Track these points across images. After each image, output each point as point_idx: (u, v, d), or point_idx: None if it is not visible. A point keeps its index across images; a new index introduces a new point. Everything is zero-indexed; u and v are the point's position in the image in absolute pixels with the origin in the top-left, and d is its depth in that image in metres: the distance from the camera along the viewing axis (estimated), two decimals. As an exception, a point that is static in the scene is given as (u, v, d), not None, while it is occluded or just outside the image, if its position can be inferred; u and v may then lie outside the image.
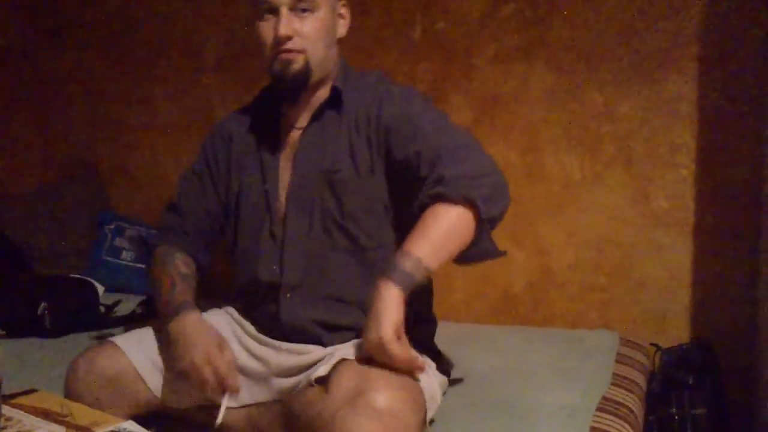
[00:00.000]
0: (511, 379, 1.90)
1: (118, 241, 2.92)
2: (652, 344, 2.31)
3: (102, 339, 1.67)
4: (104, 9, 3.07)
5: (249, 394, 1.61)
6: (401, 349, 1.36)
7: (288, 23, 1.53)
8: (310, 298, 1.58)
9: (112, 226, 2.95)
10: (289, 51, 1.54)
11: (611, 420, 1.69)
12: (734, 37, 2.26)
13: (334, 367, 1.41)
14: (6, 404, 1.31)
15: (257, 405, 1.60)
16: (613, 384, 1.91)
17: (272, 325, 1.62)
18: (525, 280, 2.53)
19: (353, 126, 1.59)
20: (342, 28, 1.65)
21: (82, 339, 2.16)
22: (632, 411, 1.80)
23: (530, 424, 1.63)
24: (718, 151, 2.30)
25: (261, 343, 1.64)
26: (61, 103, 3.17)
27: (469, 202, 1.42)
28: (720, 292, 2.31)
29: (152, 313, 2.41)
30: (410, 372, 1.39)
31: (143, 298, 2.50)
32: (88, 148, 3.15)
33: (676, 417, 2.06)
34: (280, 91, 1.65)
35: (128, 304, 2.48)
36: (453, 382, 1.76)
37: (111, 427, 1.27)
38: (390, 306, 1.36)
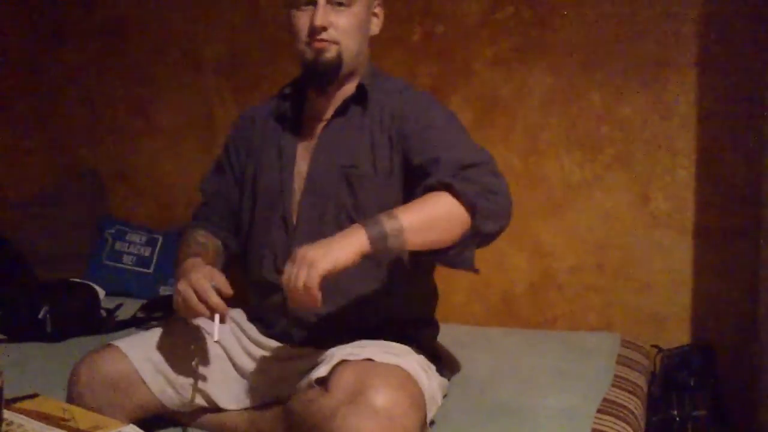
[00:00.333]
0: (511, 381, 1.90)
1: (119, 246, 2.92)
2: (653, 346, 2.32)
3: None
4: (104, 13, 3.07)
5: (250, 396, 1.62)
6: (309, 287, 1.30)
7: (324, 15, 1.55)
8: None
9: (113, 231, 2.95)
10: (324, 41, 1.56)
11: (612, 422, 1.69)
12: (733, 40, 2.26)
13: (334, 368, 1.42)
14: (7, 409, 1.32)
15: (258, 407, 1.61)
16: (613, 386, 1.91)
17: (277, 319, 1.62)
18: (525, 282, 2.53)
19: (377, 125, 1.61)
20: (375, 26, 1.68)
21: (84, 343, 2.16)
22: (633, 413, 1.80)
23: (531, 426, 1.63)
24: (718, 153, 2.30)
25: (263, 347, 1.65)
26: (61, 108, 3.17)
27: (471, 207, 1.41)
28: (720, 293, 2.32)
29: (153, 317, 2.43)
30: (305, 303, 1.34)
31: (144, 302, 2.51)
32: (88, 153, 3.15)
33: (677, 418, 2.05)
34: (309, 81, 1.66)
35: (129, 308, 2.48)
36: (453, 384, 1.76)
37: (112, 431, 1.27)
38: (345, 246, 1.33)
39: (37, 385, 1.55)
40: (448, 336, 1.79)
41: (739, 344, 2.28)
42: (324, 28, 1.56)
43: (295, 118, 1.70)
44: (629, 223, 2.40)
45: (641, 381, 2.03)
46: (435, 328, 1.75)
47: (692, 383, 2.11)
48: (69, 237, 2.94)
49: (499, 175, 1.49)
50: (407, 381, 1.39)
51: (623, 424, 1.70)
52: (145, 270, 2.87)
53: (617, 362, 2.08)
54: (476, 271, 1.50)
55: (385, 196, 1.57)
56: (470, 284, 2.57)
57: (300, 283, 1.31)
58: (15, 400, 1.37)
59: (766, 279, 2.10)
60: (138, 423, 1.41)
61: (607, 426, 1.67)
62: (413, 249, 1.41)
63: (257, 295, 1.70)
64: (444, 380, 1.67)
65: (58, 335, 2.27)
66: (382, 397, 1.29)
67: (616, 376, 1.98)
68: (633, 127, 2.38)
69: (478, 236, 1.44)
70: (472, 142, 1.57)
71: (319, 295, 1.32)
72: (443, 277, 1.75)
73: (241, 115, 1.85)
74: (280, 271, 1.50)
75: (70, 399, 1.53)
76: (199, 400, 1.61)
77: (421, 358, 1.56)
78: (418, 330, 1.65)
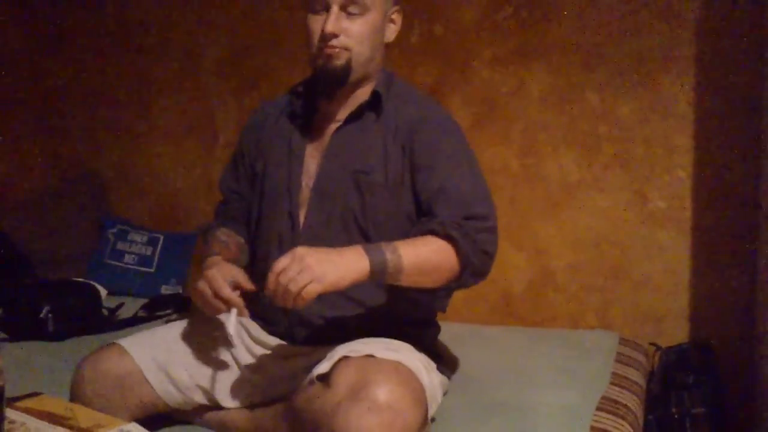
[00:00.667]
0: (510, 379, 1.91)
1: (121, 245, 2.93)
2: (651, 344, 2.32)
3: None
4: (104, 15, 3.08)
5: (253, 394, 1.62)
6: (304, 297, 1.34)
7: (336, 21, 1.55)
8: None
9: (115, 230, 2.97)
10: (334, 47, 1.56)
11: (611, 419, 1.70)
12: (730, 39, 2.27)
13: (336, 364, 1.42)
14: (9, 407, 1.31)
15: (261, 404, 1.62)
16: (612, 383, 1.92)
17: (280, 317, 1.63)
18: (525, 280, 2.54)
19: (390, 133, 1.61)
20: (392, 33, 1.67)
21: (85, 342, 2.17)
22: (632, 410, 1.81)
23: (530, 423, 1.64)
24: (715, 152, 2.31)
25: (265, 345, 1.65)
26: (62, 109, 3.18)
27: (465, 265, 1.48)
28: (718, 291, 2.33)
29: (155, 316, 2.44)
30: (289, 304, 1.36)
31: (146, 301, 2.52)
32: (89, 153, 3.16)
33: (676, 416, 2.06)
34: (318, 85, 1.66)
35: (131, 308, 2.49)
36: (453, 382, 1.77)
37: (114, 429, 1.27)
38: (346, 274, 1.37)
39: (38, 384, 1.55)
40: (447, 334, 1.80)
41: (737, 342, 2.29)
42: (335, 35, 1.55)
43: (307, 117, 1.71)
44: (627, 222, 2.41)
45: (640, 379, 2.04)
46: (436, 328, 1.76)
47: (690, 381, 2.12)
48: (70, 237, 2.95)
49: (496, 230, 1.55)
50: (408, 377, 1.40)
51: (622, 422, 1.71)
52: (147, 269, 2.88)
53: (616, 360, 2.09)
54: (443, 311, 1.71)
55: (393, 204, 1.59)
56: (470, 283, 2.58)
57: (295, 288, 1.34)
58: (17, 398, 1.38)
59: (764, 277, 2.11)
60: (140, 421, 1.42)
61: (606, 423, 1.68)
62: (401, 284, 1.47)
63: (262, 290, 1.70)
64: (445, 378, 1.67)
65: (60, 334, 2.27)
66: (383, 393, 1.30)
67: (614, 374, 1.99)
68: (631, 126, 2.39)
69: (458, 287, 1.54)
70: (479, 179, 1.60)
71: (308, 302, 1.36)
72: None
73: (255, 109, 1.86)
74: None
75: (74, 397, 1.54)
76: (201, 399, 1.62)
77: (423, 356, 1.57)
78: (419, 330, 1.66)
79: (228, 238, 1.74)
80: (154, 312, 2.46)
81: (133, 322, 2.39)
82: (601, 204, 2.44)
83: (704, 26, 2.29)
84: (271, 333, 1.67)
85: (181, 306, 2.52)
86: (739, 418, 2.23)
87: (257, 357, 1.64)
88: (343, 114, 1.66)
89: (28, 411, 1.33)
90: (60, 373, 1.78)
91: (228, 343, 1.58)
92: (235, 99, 2.90)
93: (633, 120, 2.38)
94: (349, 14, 1.56)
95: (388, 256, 1.41)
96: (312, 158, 1.66)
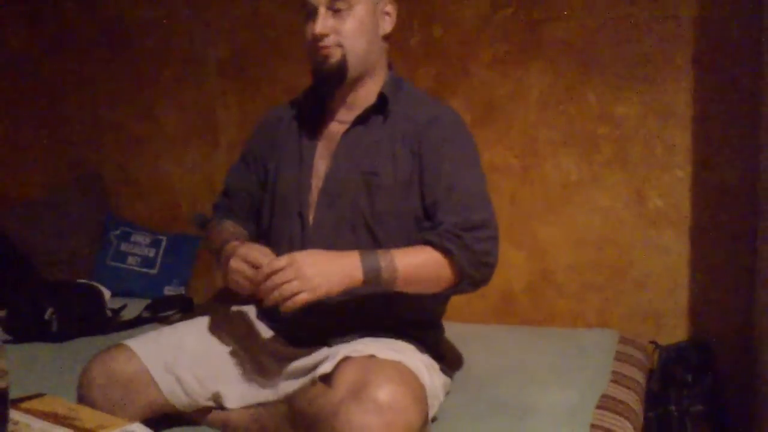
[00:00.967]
0: (511, 378, 1.92)
1: (124, 246, 2.94)
2: (650, 342, 2.33)
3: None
4: (106, 17, 3.09)
5: (256, 395, 1.63)
6: (296, 302, 1.40)
7: (324, 22, 1.58)
8: None
9: (118, 232, 2.98)
10: (327, 47, 1.59)
11: (611, 417, 1.71)
12: (729, 40, 2.28)
13: (338, 364, 1.44)
14: (13, 408, 1.33)
15: (264, 405, 1.63)
16: (612, 382, 1.93)
17: (284, 318, 1.64)
18: (524, 280, 2.55)
19: (398, 136, 1.63)
20: (388, 25, 1.69)
21: (89, 343, 2.18)
22: (632, 408, 1.82)
23: (531, 422, 1.65)
24: (714, 151, 2.32)
25: (268, 346, 1.66)
26: (64, 111, 3.19)
27: (462, 275, 1.52)
28: (717, 290, 2.33)
29: (158, 317, 2.45)
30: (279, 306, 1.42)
31: (149, 302, 2.53)
32: (91, 155, 3.17)
33: (675, 414, 2.07)
34: (318, 86, 1.69)
35: (134, 309, 2.50)
36: (454, 381, 1.78)
37: (117, 430, 1.28)
38: (338, 283, 1.44)
39: (42, 385, 1.57)
40: (448, 334, 1.81)
41: (736, 340, 2.30)
42: (325, 35, 1.58)
43: (316, 119, 1.73)
44: (626, 221, 2.41)
45: (639, 377, 2.05)
46: (440, 329, 1.77)
47: (690, 379, 2.13)
48: (74, 238, 2.96)
49: (496, 238, 1.57)
50: (409, 377, 1.41)
51: (622, 420, 1.72)
52: (150, 270, 2.89)
53: (615, 359, 2.10)
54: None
55: (402, 205, 1.61)
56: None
57: (285, 294, 1.40)
58: (21, 399, 1.39)
59: (763, 275, 2.12)
60: (146, 422, 1.43)
61: (606, 421, 1.69)
62: (396, 290, 1.50)
63: None
64: (447, 379, 1.69)
65: (64, 335, 2.29)
66: (384, 392, 1.32)
67: (614, 372, 2.00)
68: (630, 126, 2.39)
69: (456, 293, 1.58)
70: (482, 184, 1.62)
71: (287, 306, 1.41)
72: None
73: (269, 111, 1.88)
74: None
75: (81, 398, 1.54)
76: (206, 400, 1.62)
77: (425, 357, 1.58)
78: (422, 331, 1.67)
79: (236, 229, 1.77)
80: (157, 313, 2.48)
81: (137, 323, 2.41)
82: (600, 203, 2.44)
83: (703, 27, 2.29)
84: (275, 331, 1.68)
85: (184, 307, 2.53)
86: (738, 416, 2.24)
87: (261, 357, 1.65)
88: (350, 116, 1.67)
89: (31, 412, 1.34)
90: (64, 374, 1.79)
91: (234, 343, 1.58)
92: (238, 101, 2.90)
93: (631, 120, 2.39)
94: (337, 11, 1.59)
95: (383, 264, 1.46)
96: (321, 159, 1.68)
